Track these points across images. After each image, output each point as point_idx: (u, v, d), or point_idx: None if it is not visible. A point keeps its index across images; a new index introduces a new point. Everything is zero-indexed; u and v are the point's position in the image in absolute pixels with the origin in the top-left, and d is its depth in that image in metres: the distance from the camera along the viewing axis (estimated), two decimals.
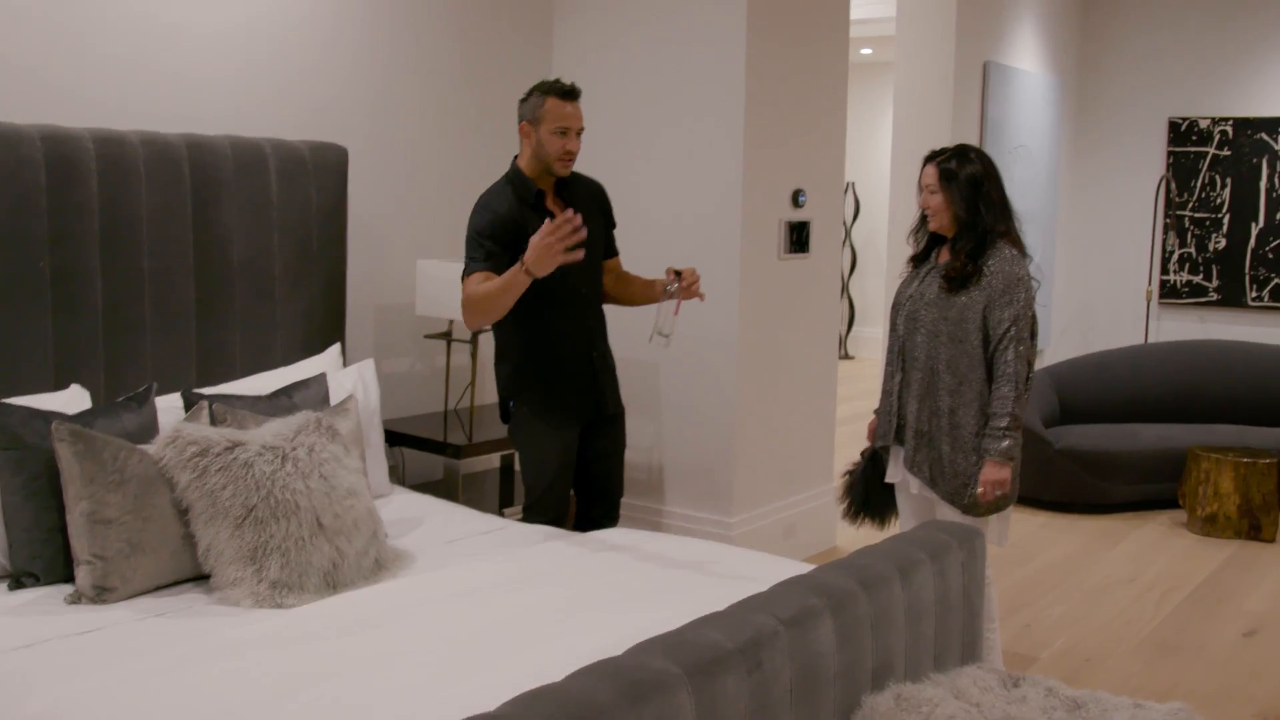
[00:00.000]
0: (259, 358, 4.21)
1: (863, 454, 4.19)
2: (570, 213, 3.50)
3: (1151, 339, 8.67)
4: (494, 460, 5.43)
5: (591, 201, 4.05)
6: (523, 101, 3.86)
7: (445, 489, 4.72)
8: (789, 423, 5.67)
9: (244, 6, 4.39)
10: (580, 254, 3.54)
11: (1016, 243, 3.88)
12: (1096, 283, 8.97)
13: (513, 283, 3.58)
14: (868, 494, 4.17)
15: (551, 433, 3.94)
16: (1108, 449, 6.83)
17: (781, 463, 5.65)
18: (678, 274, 3.87)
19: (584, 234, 3.51)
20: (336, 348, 4.35)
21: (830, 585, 2.67)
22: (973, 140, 7.23)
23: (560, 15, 5.71)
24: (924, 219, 3.98)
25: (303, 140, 4.39)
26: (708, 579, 3.19)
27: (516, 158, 3.92)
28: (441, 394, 5.21)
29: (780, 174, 5.46)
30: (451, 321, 4.99)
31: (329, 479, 3.35)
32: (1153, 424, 7.33)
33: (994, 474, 3.75)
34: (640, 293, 4.13)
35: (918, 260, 4.03)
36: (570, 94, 3.83)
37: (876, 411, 4.12)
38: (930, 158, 3.91)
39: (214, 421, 3.54)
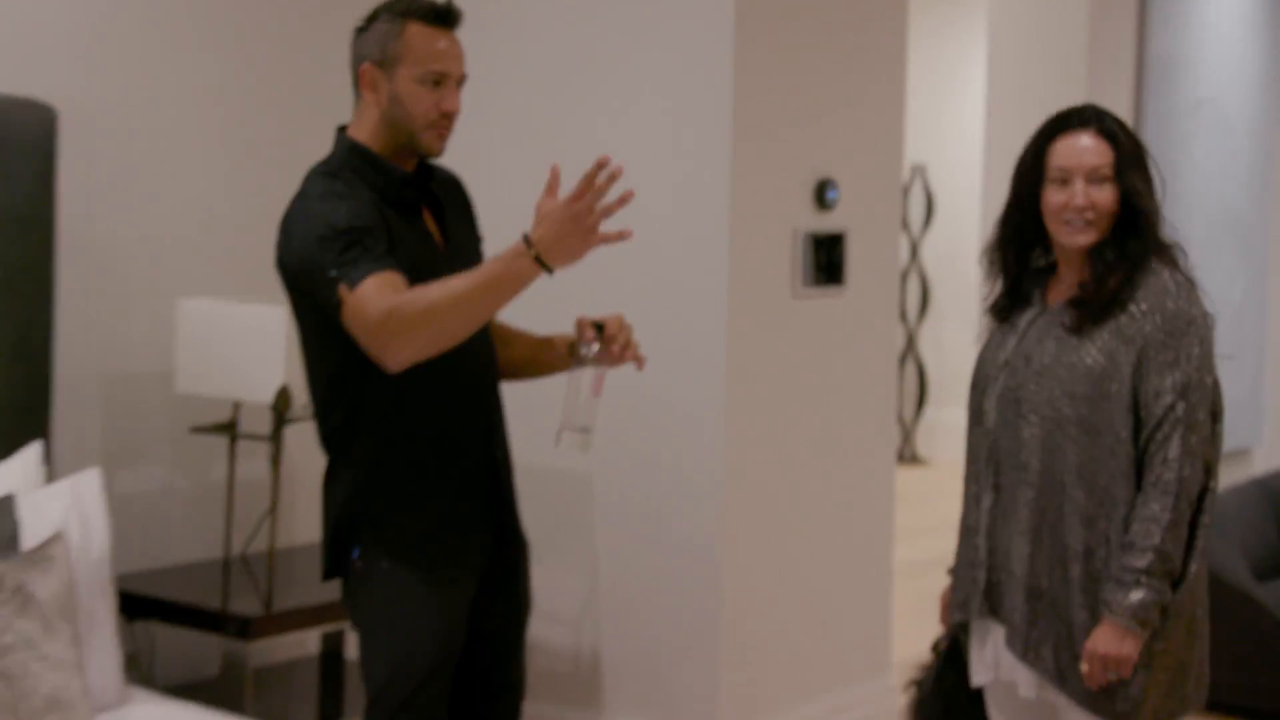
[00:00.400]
0: None
1: (935, 647, 4.21)
2: (607, 158, 3.55)
3: None
4: (309, 643, 5.43)
5: (459, 203, 4.14)
6: (360, 31, 3.86)
7: (224, 693, 4.73)
8: (814, 574, 5.75)
9: None
10: (629, 232, 3.65)
11: (1178, 265, 3.94)
12: None
13: (504, 276, 3.59)
14: (949, 712, 4.18)
15: (429, 593, 3.90)
16: None
17: (802, 645, 5.70)
18: (597, 328, 3.87)
19: (630, 196, 3.62)
20: (34, 450, 4.38)
21: None
22: (1125, 90, 7.37)
23: None
24: (1011, 236, 4.05)
25: None
26: None
27: (345, 130, 3.94)
28: (220, 529, 5.22)
29: (796, 156, 5.57)
30: (238, 405, 5.01)
31: (14, 680, 3.35)
32: None
33: (1111, 644, 3.73)
34: (532, 358, 4.16)
35: (1005, 309, 4.08)
36: (446, 18, 3.85)
37: (954, 569, 4.11)
38: (1075, 122, 3.93)
39: None
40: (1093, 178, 3.84)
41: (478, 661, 4.09)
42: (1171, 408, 3.75)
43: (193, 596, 4.81)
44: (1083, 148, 3.87)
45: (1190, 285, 3.90)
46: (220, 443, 5.19)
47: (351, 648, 5.51)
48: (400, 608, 3.88)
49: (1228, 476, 8.02)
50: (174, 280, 5.19)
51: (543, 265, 3.55)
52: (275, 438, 4.89)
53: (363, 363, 3.70)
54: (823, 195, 5.65)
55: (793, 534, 5.67)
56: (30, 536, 3.99)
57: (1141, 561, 3.70)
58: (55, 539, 3.85)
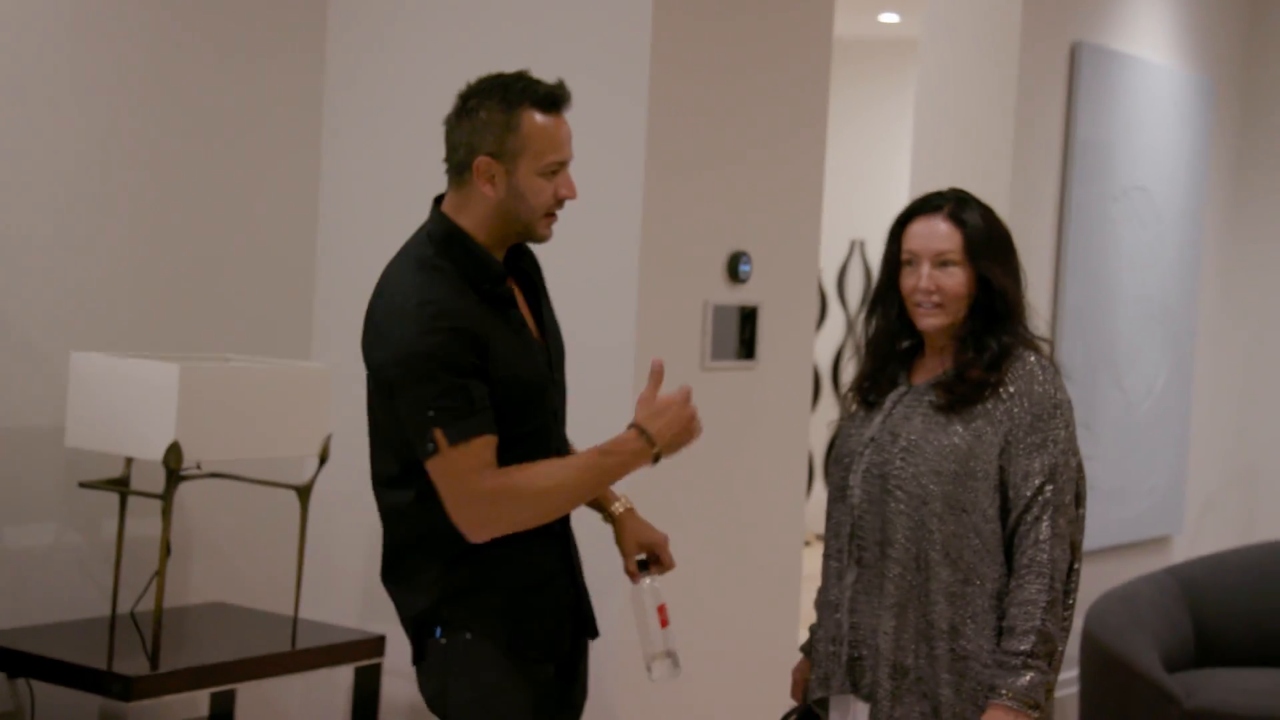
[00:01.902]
0: None
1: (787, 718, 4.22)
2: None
3: None
4: (197, 704, 5.36)
5: (542, 282, 4.10)
6: (466, 115, 3.76)
7: None
8: (716, 655, 5.67)
9: None
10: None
11: (1039, 349, 4.00)
12: (1267, 424, 9.10)
13: (619, 474, 3.79)
14: None
15: (522, 680, 3.84)
16: (1276, 714, 6.83)
17: (727, 710, 5.69)
18: (644, 565, 4.09)
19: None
20: None
21: None
22: (1054, 177, 7.36)
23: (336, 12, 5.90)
24: (877, 318, 4.10)
25: None
26: None
27: (443, 207, 3.84)
28: (108, 586, 5.15)
29: (709, 228, 5.56)
30: (130, 461, 4.96)
31: None
32: None
33: None
34: None
35: (868, 389, 4.10)
36: (560, 103, 3.77)
37: (812, 645, 4.14)
38: (928, 207, 4.02)
39: None
40: (938, 261, 3.92)
41: None
42: (1040, 489, 3.81)
43: (76, 654, 4.71)
44: (930, 232, 3.95)
45: (1055, 370, 3.97)
46: (110, 498, 5.12)
47: (244, 708, 5.46)
48: (495, 695, 3.82)
49: (1143, 563, 8.06)
50: (66, 333, 5.13)
51: (656, 460, 3.77)
52: (167, 494, 4.80)
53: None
54: (735, 268, 5.62)
55: (694, 611, 5.56)
56: None
57: (1025, 645, 3.73)
58: None
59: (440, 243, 3.79)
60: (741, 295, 5.67)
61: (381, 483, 3.90)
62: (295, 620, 5.22)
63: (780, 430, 5.89)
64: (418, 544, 3.83)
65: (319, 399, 5.05)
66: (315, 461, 5.20)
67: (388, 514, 3.89)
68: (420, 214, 5.65)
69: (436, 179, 5.66)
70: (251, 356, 5.46)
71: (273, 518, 5.65)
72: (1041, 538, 3.78)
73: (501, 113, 3.70)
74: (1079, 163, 7.47)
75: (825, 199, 6.15)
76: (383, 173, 5.80)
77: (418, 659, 3.88)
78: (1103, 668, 6.79)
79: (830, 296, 13.35)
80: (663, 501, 5.44)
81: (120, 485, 4.97)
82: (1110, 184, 7.73)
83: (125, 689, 4.52)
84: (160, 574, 4.86)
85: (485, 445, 3.62)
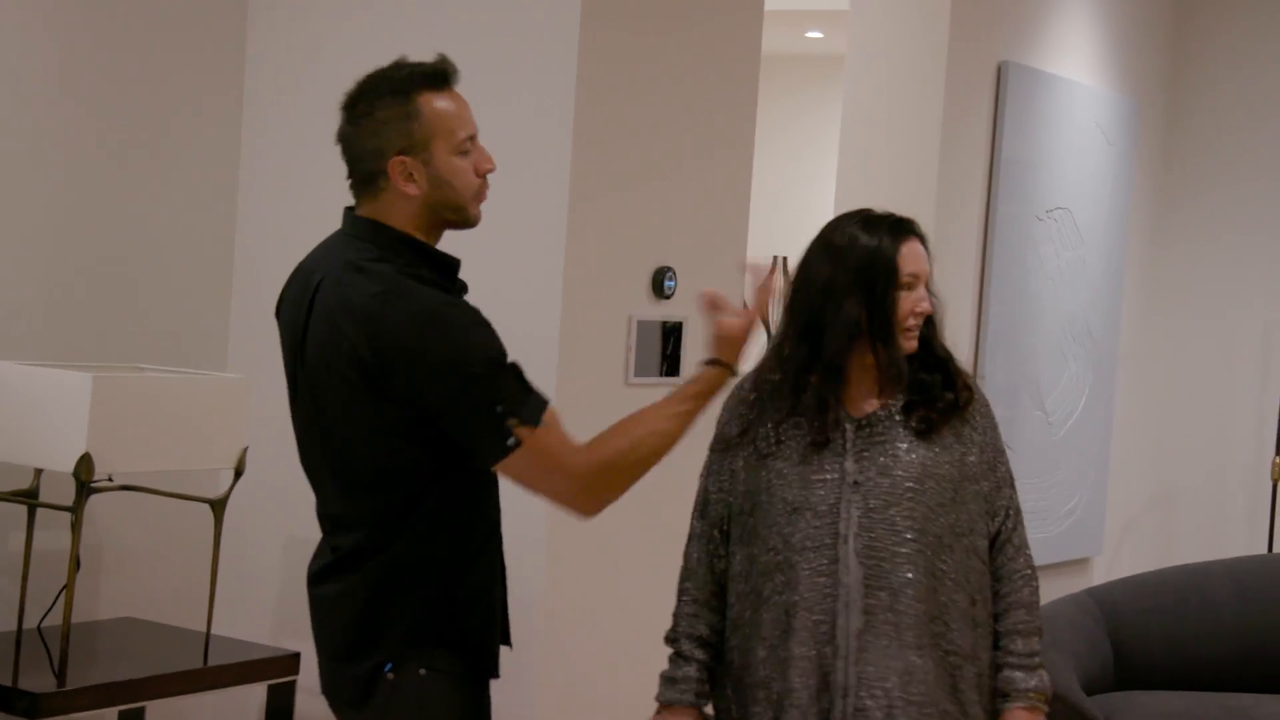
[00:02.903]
0: None
1: None
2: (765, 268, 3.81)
3: (1279, 544, 8.80)
4: None
5: None
6: (360, 120, 3.64)
7: None
8: (635, 667, 5.62)
9: None
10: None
11: None
12: (1186, 446, 9.16)
13: (706, 403, 3.74)
14: None
15: (476, 702, 3.76)
16: None
17: None
18: None
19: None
20: None
21: None
22: (976, 193, 7.36)
23: (257, 11, 5.87)
24: (834, 341, 3.90)
25: None
26: None
27: (378, 225, 3.66)
28: (14, 600, 5.10)
29: (632, 243, 5.54)
30: (39, 473, 4.91)
31: None
32: (1277, 695, 7.41)
33: None
34: None
35: (816, 426, 3.91)
36: (450, 77, 3.68)
37: (691, 698, 4.08)
38: (910, 229, 3.98)
39: None
40: (924, 279, 3.95)
41: None
42: (1010, 498, 4.00)
43: None
44: (919, 255, 3.93)
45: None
46: (18, 511, 5.07)
47: None
48: (445, 712, 3.69)
49: (1063, 585, 8.07)
50: None
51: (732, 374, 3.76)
52: (77, 507, 4.74)
53: (434, 478, 3.58)
54: (660, 283, 5.61)
55: (614, 629, 5.63)
56: None
57: (1035, 645, 3.96)
58: None
59: (394, 249, 3.62)
60: (666, 311, 5.67)
61: (366, 523, 3.67)
62: (208, 636, 5.18)
63: (705, 446, 5.86)
64: (394, 583, 3.64)
65: (235, 411, 5.01)
66: (230, 475, 5.15)
67: (360, 552, 3.68)
68: (336, 227, 5.63)
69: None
70: (166, 367, 5.40)
71: (186, 532, 5.59)
72: (1018, 543, 3.98)
73: (398, 105, 3.60)
74: (1004, 182, 7.50)
75: (753, 216, 6.14)
76: (302, 182, 5.76)
77: (365, 697, 3.68)
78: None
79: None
80: (582, 529, 5.41)
81: (28, 497, 4.92)
82: (1034, 204, 7.77)
83: (31, 706, 4.46)
84: (69, 588, 4.80)
85: (556, 415, 3.54)
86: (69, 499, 4.80)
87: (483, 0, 5.48)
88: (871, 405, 3.93)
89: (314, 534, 5.66)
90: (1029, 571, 3.99)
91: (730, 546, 4.01)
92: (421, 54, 5.47)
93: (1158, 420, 9.22)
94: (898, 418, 3.92)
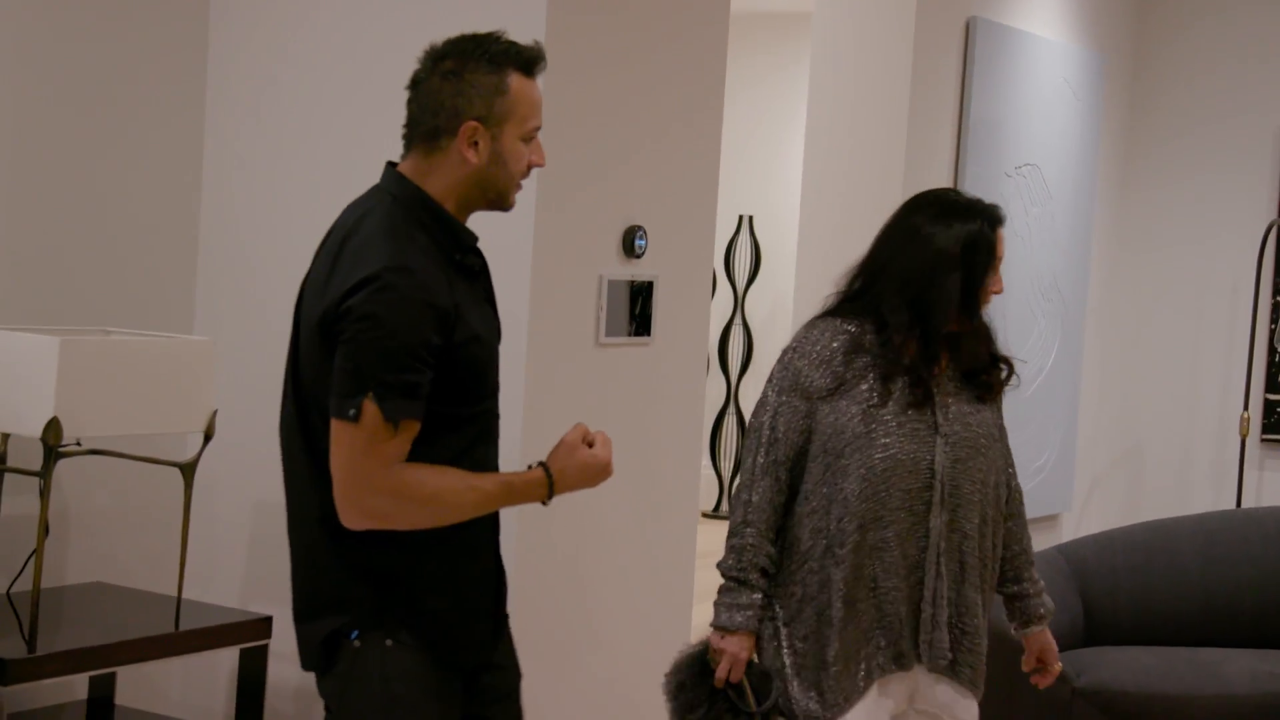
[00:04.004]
0: None
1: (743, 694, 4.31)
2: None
3: (1247, 500, 8.83)
4: (76, 688, 5.32)
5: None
6: (447, 77, 3.62)
7: None
8: (610, 632, 5.67)
9: None
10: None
11: None
12: (1153, 402, 9.21)
13: (513, 501, 3.73)
14: None
15: (440, 686, 3.71)
16: (1166, 691, 6.91)
17: (597, 697, 5.66)
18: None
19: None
20: None
21: None
22: (948, 154, 7.36)
23: None
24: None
25: None
26: None
27: (401, 182, 3.67)
28: None
29: (604, 202, 5.52)
30: (6, 437, 4.88)
31: None
32: (1245, 650, 7.44)
33: (1052, 641, 4.72)
34: None
35: (914, 384, 4.32)
36: (536, 66, 3.73)
37: (749, 622, 4.30)
38: (1002, 216, 4.49)
39: None
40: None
41: None
42: (1010, 454, 4.64)
43: None
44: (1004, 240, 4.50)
45: None
46: None
47: (125, 691, 5.38)
48: (410, 703, 3.67)
49: (1035, 542, 8.06)
50: None
51: (548, 498, 3.73)
52: (45, 472, 4.72)
53: (437, 432, 3.58)
54: (631, 243, 5.59)
55: (589, 588, 5.62)
56: None
57: (1039, 574, 4.69)
58: None
59: (408, 208, 3.63)
60: (635, 270, 5.66)
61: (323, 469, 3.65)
62: (179, 601, 5.16)
63: (675, 406, 5.90)
64: (360, 549, 3.62)
65: (203, 374, 4.99)
66: (200, 438, 5.12)
67: (326, 518, 3.64)
68: (303, 187, 5.63)
69: (322, 151, 5.64)
70: (133, 330, 5.37)
71: (155, 496, 5.59)
72: (1016, 484, 4.63)
73: (489, 75, 3.62)
74: (972, 139, 7.52)
75: (723, 176, 6.14)
76: (267, 143, 5.77)
77: (327, 664, 3.71)
78: (993, 646, 6.79)
79: (718, 271, 13.28)
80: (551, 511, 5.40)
81: None
82: (1002, 161, 7.79)
83: (1, 672, 4.41)
84: (38, 553, 4.78)
85: (408, 431, 3.50)
86: (37, 464, 4.79)
87: None
88: (939, 368, 4.37)
89: (284, 497, 5.65)
90: (1024, 509, 4.70)
91: (800, 484, 4.31)
92: (392, 24, 5.50)
93: (1125, 377, 9.25)
94: (959, 381, 4.42)
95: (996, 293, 4.42)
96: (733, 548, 4.30)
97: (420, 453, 3.53)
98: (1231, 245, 9.03)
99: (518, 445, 5.22)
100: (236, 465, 5.66)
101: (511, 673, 4.04)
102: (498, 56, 3.64)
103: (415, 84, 3.69)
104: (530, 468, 3.73)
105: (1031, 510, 8.10)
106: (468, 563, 3.75)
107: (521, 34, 5.23)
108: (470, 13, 5.31)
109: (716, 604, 4.32)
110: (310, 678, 5.29)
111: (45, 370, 4.54)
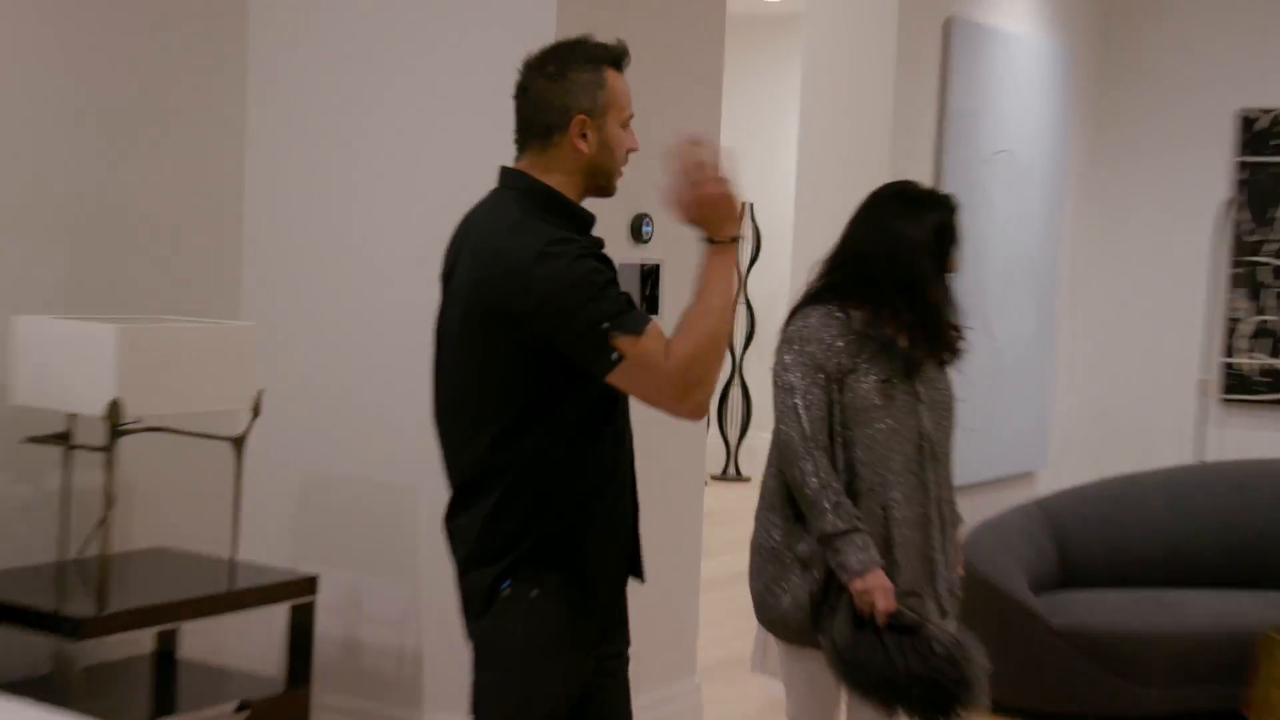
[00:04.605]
0: None
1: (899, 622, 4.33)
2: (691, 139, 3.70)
3: (1209, 455, 8.84)
4: (143, 642, 5.34)
5: None
6: (554, 79, 3.70)
7: (54, 689, 4.58)
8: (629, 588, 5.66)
9: None
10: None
11: None
12: (1121, 367, 9.19)
13: (732, 277, 3.68)
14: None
15: (576, 635, 3.76)
16: (1134, 630, 6.93)
17: None
18: None
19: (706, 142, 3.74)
20: None
21: None
22: (927, 140, 7.37)
23: None
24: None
25: None
26: None
27: (522, 179, 3.73)
28: (54, 534, 5.12)
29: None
30: (73, 417, 4.91)
31: None
32: (1205, 590, 7.46)
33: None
34: None
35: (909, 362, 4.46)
36: (624, 61, 3.83)
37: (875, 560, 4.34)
38: (958, 204, 4.56)
39: None
40: None
41: (593, 703, 3.97)
42: None
43: (27, 598, 4.66)
44: None
45: None
46: (54, 452, 5.07)
47: (186, 645, 5.42)
48: (550, 647, 3.73)
49: (1011, 497, 8.12)
50: (7, 297, 5.08)
51: (735, 242, 3.68)
52: (109, 448, 4.74)
53: (547, 403, 3.60)
54: (639, 229, 5.63)
55: None
56: None
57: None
58: None
59: (535, 201, 3.67)
60: (644, 254, 5.68)
61: (488, 439, 3.66)
62: (233, 562, 5.20)
63: None
64: (517, 497, 3.67)
65: (249, 356, 5.02)
66: (248, 415, 5.15)
67: (487, 471, 3.68)
68: (340, 181, 5.65)
69: (357, 149, 5.66)
70: (185, 317, 5.41)
71: (209, 468, 5.60)
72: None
73: (590, 73, 3.71)
74: (952, 129, 7.50)
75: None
76: (305, 141, 5.78)
77: (479, 613, 3.75)
78: (977, 592, 6.83)
79: None
80: None
81: (63, 440, 4.92)
82: (980, 148, 7.76)
83: (75, 629, 4.48)
84: (104, 522, 4.81)
85: (657, 326, 3.54)
86: (101, 440, 4.82)
87: None
88: (906, 341, 4.44)
89: (330, 468, 5.70)
90: None
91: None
92: (415, 18, 5.51)
93: (1095, 345, 9.25)
94: (926, 351, 4.49)
95: (956, 270, 4.52)
96: (831, 507, 4.27)
97: (566, 405, 3.61)
98: (1191, 221, 9.03)
99: None
100: (282, 438, 5.70)
101: (624, 643, 4.10)
102: (593, 55, 3.74)
103: (523, 91, 3.74)
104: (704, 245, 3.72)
105: (1010, 468, 8.24)
106: (606, 519, 3.80)
107: (534, 28, 5.32)
108: (483, 10, 5.37)
109: (841, 557, 4.25)
110: (355, 630, 5.35)
111: (106, 355, 4.58)
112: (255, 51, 5.86)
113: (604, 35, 5.39)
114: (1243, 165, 8.89)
